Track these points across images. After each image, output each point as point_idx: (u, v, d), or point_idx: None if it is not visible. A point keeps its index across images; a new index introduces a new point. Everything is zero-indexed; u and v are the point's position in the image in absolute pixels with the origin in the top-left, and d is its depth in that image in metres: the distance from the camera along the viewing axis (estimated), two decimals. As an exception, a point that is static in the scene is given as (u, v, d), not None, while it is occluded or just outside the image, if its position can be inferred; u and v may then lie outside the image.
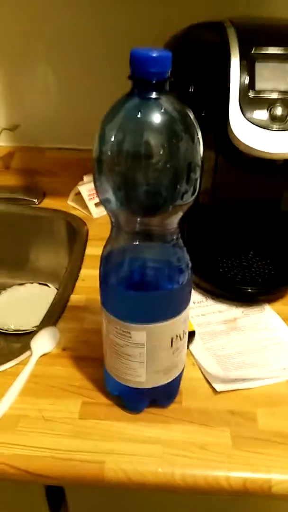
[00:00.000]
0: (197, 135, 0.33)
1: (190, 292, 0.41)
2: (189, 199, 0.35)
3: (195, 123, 0.33)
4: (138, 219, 0.36)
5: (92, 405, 0.45)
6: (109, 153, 0.33)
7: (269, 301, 0.59)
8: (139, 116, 0.32)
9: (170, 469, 0.40)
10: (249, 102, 0.49)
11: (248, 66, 0.49)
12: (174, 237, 0.38)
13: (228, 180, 0.62)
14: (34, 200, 0.84)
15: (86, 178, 0.82)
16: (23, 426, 0.43)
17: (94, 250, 0.71)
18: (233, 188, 0.63)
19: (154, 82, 0.31)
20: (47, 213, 0.82)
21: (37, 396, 0.46)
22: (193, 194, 0.35)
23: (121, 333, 0.40)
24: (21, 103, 0.86)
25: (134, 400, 0.45)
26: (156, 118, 0.32)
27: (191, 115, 0.33)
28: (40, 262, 0.86)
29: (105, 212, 0.89)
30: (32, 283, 0.84)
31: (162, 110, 0.32)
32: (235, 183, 0.62)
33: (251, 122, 0.48)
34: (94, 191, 0.81)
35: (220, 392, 0.47)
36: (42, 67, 0.82)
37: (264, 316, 0.57)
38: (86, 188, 0.80)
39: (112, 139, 0.32)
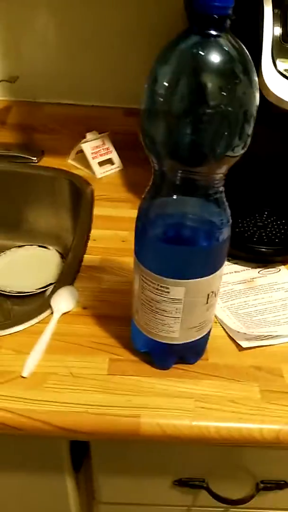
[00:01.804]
0: (255, 78, 0.32)
1: (228, 248, 0.40)
2: (239, 152, 0.34)
3: (253, 66, 0.32)
4: (183, 169, 0.34)
5: (119, 361, 0.45)
6: (162, 93, 0.31)
7: (285, 261, 0.59)
8: (198, 54, 0.30)
9: (204, 422, 0.40)
10: (281, 53, 0.47)
11: (282, 16, 0.47)
12: (219, 190, 0.37)
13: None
14: (33, 158, 0.80)
15: (89, 136, 0.78)
16: (52, 384, 0.42)
17: (102, 211, 0.69)
18: (251, 145, 0.62)
19: (216, 17, 0.29)
20: (49, 172, 0.79)
21: (63, 354, 0.45)
22: (244, 147, 0.34)
23: (158, 288, 0.39)
24: (18, 55, 0.80)
25: (163, 356, 0.44)
26: (216, 57, 0.30)
27: (249, 57, 0.32)
28: (39, 224, 0.83)
29: (109, 172, 0.86)
30: (31, 245, 0.81)
31: (223, 49, 0.30)
32: (254, 139, 0.61)
33: (283, 74, 0.47)
34: (98, 149, 0.78)
35: (245, 348, 0.47)
36: (42, 16, 0.77)
37: (280, 276, 0.57)
38: (90, 145, 0.77)
39: (166, 79, 0.30)
